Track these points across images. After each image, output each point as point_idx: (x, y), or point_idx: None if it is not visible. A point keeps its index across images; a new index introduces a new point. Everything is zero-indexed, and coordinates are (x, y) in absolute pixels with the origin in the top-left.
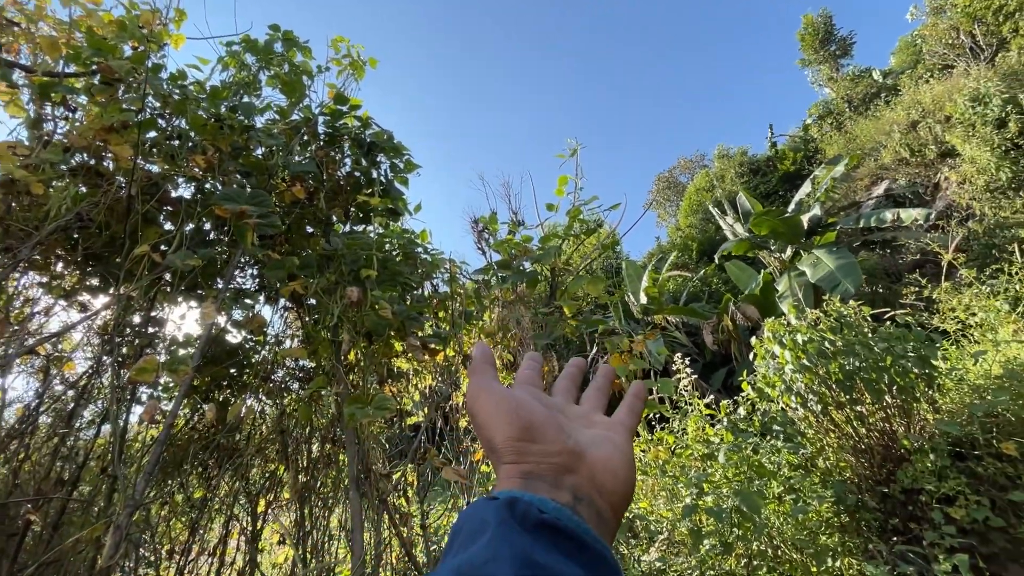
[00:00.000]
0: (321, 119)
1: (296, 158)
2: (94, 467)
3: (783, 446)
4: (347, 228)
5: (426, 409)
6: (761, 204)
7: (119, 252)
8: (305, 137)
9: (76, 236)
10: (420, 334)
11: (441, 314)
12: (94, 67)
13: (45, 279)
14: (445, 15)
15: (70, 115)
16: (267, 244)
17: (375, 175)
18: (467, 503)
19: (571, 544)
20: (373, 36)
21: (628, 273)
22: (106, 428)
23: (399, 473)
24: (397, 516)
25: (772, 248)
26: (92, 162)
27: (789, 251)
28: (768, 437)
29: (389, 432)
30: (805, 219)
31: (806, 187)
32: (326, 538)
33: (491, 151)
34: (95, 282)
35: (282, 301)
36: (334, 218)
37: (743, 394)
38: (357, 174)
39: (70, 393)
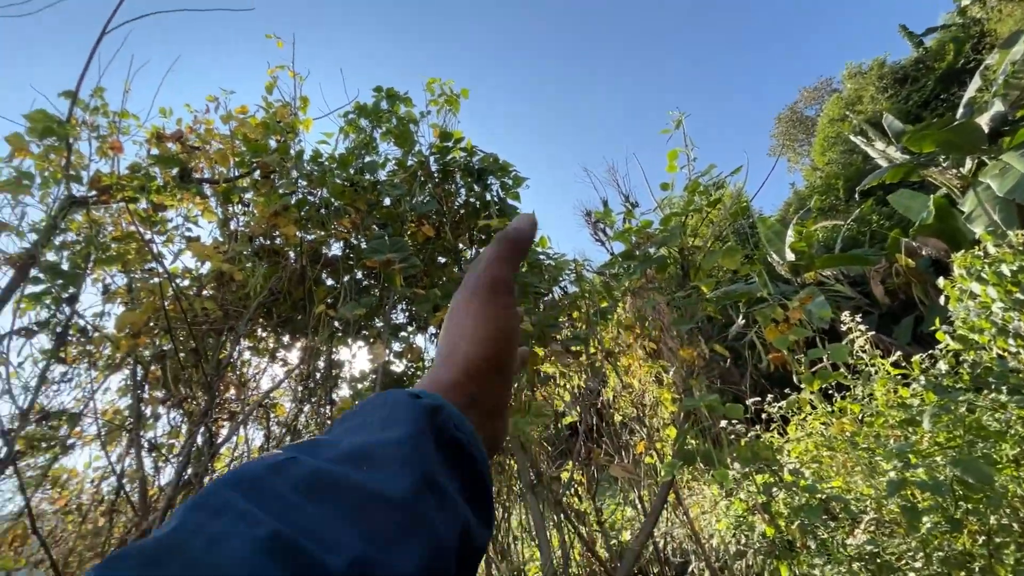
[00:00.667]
0: (432, 159)
1: (418, 198)
2: None
3: (1009, 400)
4: (473, 252)
5: (578, 409)
6: (918, 117)
7: (301, 312)
8: (422, 178)
9: (269, 307)
10: (559, 338)
11: (575, 314)
12: (254, 165)
13: (252, 344)
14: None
15: (246, 209)
16: (411, 282)
17: (488, 197)
18: (638, 497)
19: (470, 474)
20: (454, 64)
21: (766, 234)
22: None
23: (567, 474)
24: (573, 515)
25: (943, 165)
26: (267, 243)
27: (969, 164)
28: (984, 392)
29: (546, 433)
30: (984, 120)
31: (975, 82)
32: (510, 539)
33: (590, 139)
34: (286, 339)
35: (431, 329)
36: (460, 245)
37: (940, 346)
38: (472, 200)
39: (283, 431)
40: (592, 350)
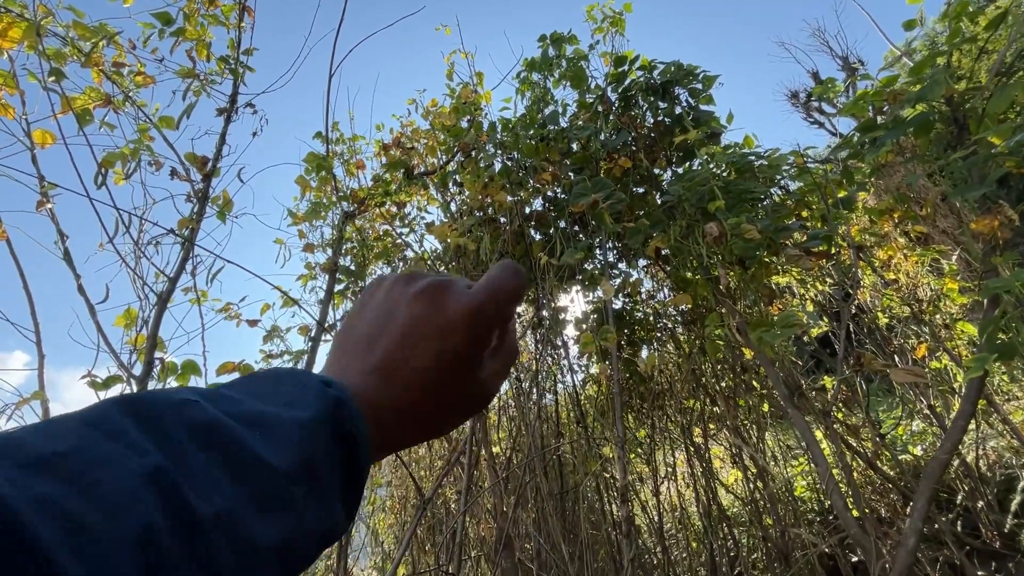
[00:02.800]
0: (609, 89)
1: (605, 133)
2: (567, 422)
3: None
4: (671, 172)
5: (826, 319)
6: None
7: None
8: (600, 110)
9: None
10: (791, 243)
11: (805, 213)
12: (456, 148)
13: None
14: None
15: (460, 189)
16: (618, 218)
17: (678, 111)
18: (928, 407)
19: (352, 474)
20: None
21: None
22: (551, 396)
23: (830, 384)
24: (843, 428)
25: None
26: (484, 214)
27: None
28: None
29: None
30: None
31: None
32: (769, 458)
33: (781, 4)
34: None
35: (641, 261)
36: (656, 171)
37: None
38: (662, 118)
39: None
40: (835, 249)
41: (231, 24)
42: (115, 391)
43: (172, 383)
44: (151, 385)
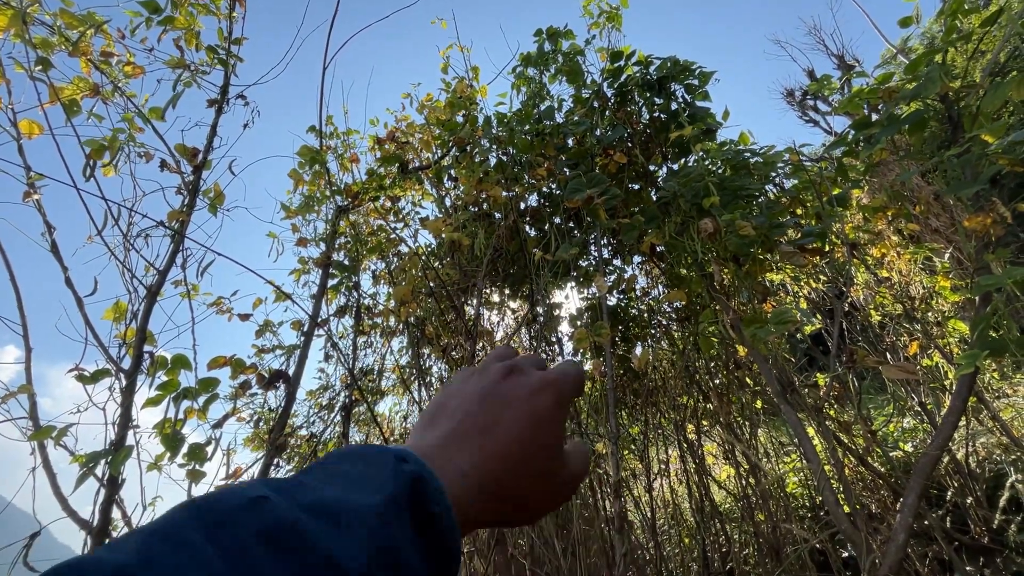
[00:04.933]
0: (605, 84)
1: (600, 129)
2: None
3: None
4: (666, 168)
5: (819, 316)
6: None
7: (516, 264)
8: (596, 105)
9: (494, 264)
10: (785, 240)
11: (799, 211)
12: (451, 143)
13: (484, 301)
14: None
15: (455, 183)
16: (613, 214)
17: (674, 107)
18: (919, 404)
19: (439, 548)
20: None
21: None
22: None
23: (823, 379)
24: (835, 425)
25: None
26: (478, 209)
27: None
28: None
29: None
30: None
31: None
32: (761, 455)
33: (777, 3)
34: (508, 291)
35: (636, 258)
36: (651, 167)
37: None
38: (658, 114)
39: None
40: (829, 246)
41: (222, 14)
42: (103, 385)
43: (161, 377)
44: (140, 379)
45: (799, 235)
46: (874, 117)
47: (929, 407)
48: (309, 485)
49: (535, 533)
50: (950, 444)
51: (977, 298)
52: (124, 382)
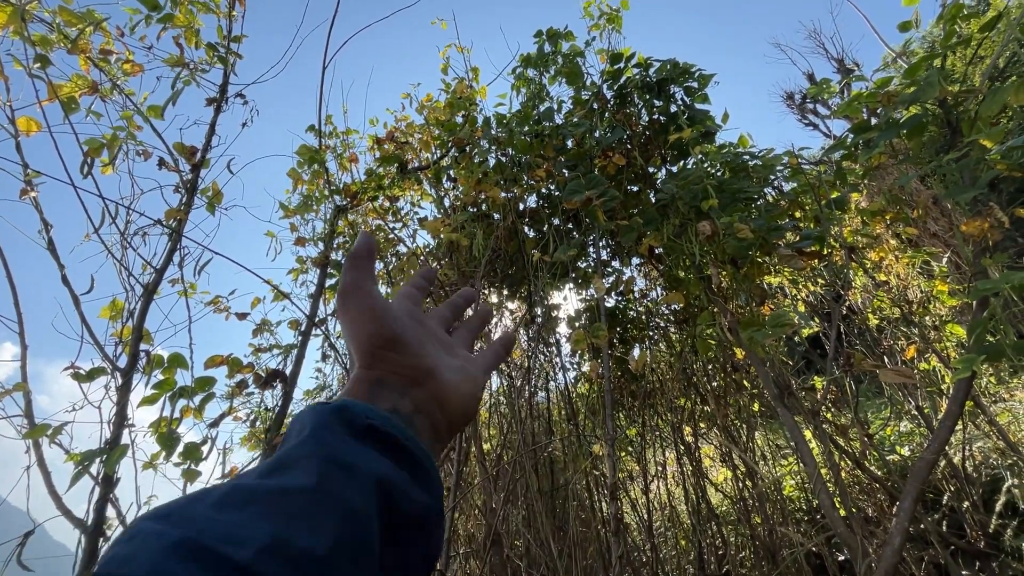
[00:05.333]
0: (605, 86)
1: (600, 130)
2: (558, 420)
3: None
4: (665, 171)
5: (817, 319)
6: None
7: (514, 265)
8: (596, 107)
9: (492, 265)
10: (784, 243)
11: (798, 214)
12: (450, 143)
13: (481, 300)
14: None
15: (454, 184)
16: (611, 215)
17: (673, 109)
18: (916, 408)
19: (388, 447)
20: None
21: None
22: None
23: (820, 384)
24: (832, 428)
25: None
26: (477, 209)
27: None
28: None
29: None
30: None
31: None
32: (758, 457)
33: (780, 4)
34: (506, 292)
35: (634, 260)
36: (650, 169)
37: None
38: (657, 116)
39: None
40: (827, 250)
41: (222, 12)
42: (99, 383)
43: (158, 376)
44: (136, 378)
45: (797, 238)
46: (873, 121)
47: (926, 411)
48: (256, 468)
49: (531, 535)
50: (947, 448)
51: (974, 302)
52: (120, 380)
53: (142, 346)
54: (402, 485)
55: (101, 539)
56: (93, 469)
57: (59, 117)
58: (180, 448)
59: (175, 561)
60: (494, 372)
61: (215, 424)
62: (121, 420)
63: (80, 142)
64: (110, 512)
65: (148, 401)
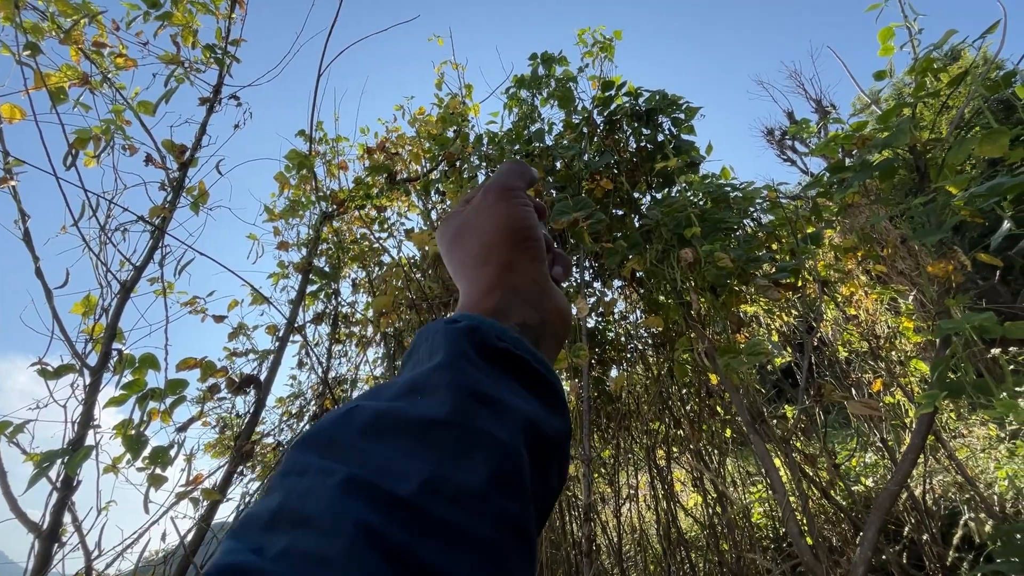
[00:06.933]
0: (595, 111)
1: (589, 155)
2: None
3: None
4: (650, 197)
5: (789, 349)
6: None
7: None
8: (586, 131)
9: None
10: (760, 273)
11: (775, 246)
12: (440, 157)
13: None
14: None
15: (442, 197)
16: (596, 238)
17: (660, 138)
18: (881, 440)
19: (523, 374)
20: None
21: None
22: None
23: (791, 412)
24: (801, 457)
25: None
26: None
27: None
28: None
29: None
30: None
31: None
32: (728, 483)
33: (763, 43)
34: None
35: (616, 282)
36: (636, 194)
37: None
38: (645, 144)
39: None
40: (802, 282)
41: (221, 14)
42: (66, 380)
43: (128, 376)
44: (106, 378)
45: (774, 270)
46: (848, 162)
47: (890, 444)
48: (391, 383)
49: None
50: (909, 481)
51: (938, 340)
52: (89, 379)
53: (115, 344)
54: (545, 419)
55: (56, 544)
56: (52, 472)
57: (46, 106)
58: (147, 452)
59: (349, 500)
60: None
61: (183, 428)
62: (87, 420)
63: (66, 133)
64: (66, 517)
65: (115, 402)
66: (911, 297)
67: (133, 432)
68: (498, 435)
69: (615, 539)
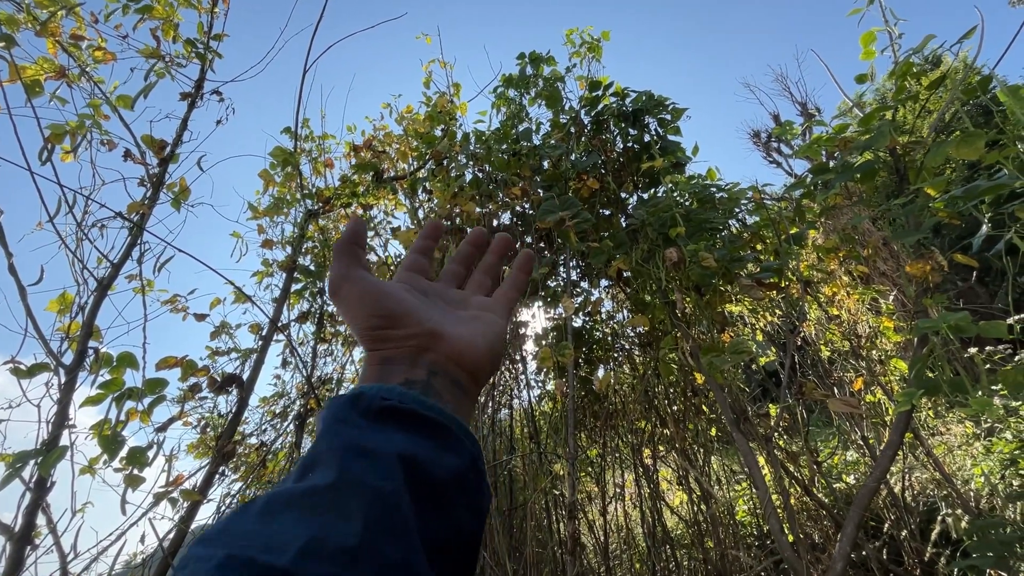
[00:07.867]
0: (583, 112)
1: (575, 155)
2: (520, 437)
3: None
4: (636, 197)
5: (773, 349)
6: None
7: None
8: (573, 131)
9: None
10: (744, 273)
11: (759, 246)
12: (428, 156)
13: None
14: None
15: (429, 196)
16: (583, 237)
17: (647, 138)
18: (861, 438)
19: (410, 422)
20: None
21: (1013, 108)
22: (506, 411)
23: (774, 411)
24: (783, 455)
25: None
26: (449, 223)
27: None
28: None
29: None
30: None
31: None
32: (713, 481)
33: (749, 46)
34: None
35: (603, 282)
36: (622, 194)
37: None
38: (631, 144)
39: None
40: (785, 282)
41: (203, 8)
42: (40, 379)
43: (105, 375)
44: (81, 377)
45: (758, 269)
46: (831, 164)
47: (871, 441)
48: (289, 472)
49: (487, 554)
50: (888, 477)
51: (916, 339)
52: (64, 378)
53: (91, 343)
54: (429, 454)
55: (28, 547)
56: (25, 473)
57: (21, 100)
58: (124, 452)
59: None
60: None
61: (163, 428)
62: (62, 420)
63: (41, 127)
64: (40, 519)
65: (92, 401)
66: (892, 297)
67: (110, 432)
68: (373, 483)
69: (601, 537)
